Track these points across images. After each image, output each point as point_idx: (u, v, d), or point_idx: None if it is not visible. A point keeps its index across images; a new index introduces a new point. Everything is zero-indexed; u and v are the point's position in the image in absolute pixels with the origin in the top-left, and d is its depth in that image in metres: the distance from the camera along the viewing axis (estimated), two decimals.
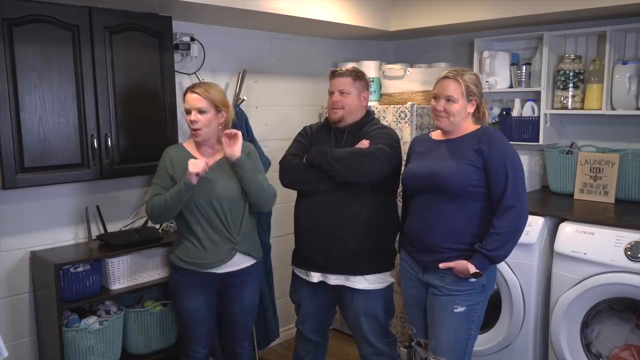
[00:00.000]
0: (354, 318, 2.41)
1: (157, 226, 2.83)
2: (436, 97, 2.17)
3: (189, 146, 2.38)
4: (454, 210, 2.10)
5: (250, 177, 2.29)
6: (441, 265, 2.11)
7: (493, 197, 2.07)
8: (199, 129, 2.27)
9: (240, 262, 2.37)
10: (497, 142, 2.09)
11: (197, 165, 2.18)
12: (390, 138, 2.35)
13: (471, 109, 2.16)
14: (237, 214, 2.34)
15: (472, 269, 2.05)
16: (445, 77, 2.15)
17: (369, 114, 2.46)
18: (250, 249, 2.40)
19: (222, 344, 2.62)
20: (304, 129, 2.53)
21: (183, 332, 2.50)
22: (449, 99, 2.12)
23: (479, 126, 2.19)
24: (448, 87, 2.12)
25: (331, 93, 2.40)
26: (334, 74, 2.41)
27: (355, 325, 2.43)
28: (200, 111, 2.26)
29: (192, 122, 2.26)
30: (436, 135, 2.27)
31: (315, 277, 2.38)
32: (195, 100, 2.26)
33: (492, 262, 2.08)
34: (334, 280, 2.36)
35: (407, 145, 2.92)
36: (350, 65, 2.47)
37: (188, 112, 2.28)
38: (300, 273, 2.47)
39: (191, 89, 2.30)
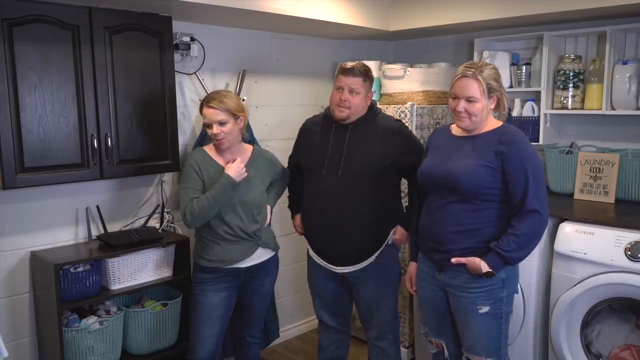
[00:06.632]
0: (362, 302, 2.50)
1: (157, 226, 2.83)
2: (455, 97, 2.07)
3: (211, 151, 2.44)
4: (468, 211, 2.05)
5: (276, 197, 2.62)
6: (453, 260, 2.06)
7: (513, 201, 2.01)
8: (222, 139, 2.33)
9: (261, 255, 2.48)
10: (516, 143, 2.01)
11: (240, 170, 2.31)
12: (415, 140, 2.47)
13: (493, 104, 2.07)
14: (258, 214, 2.43)
15: (485, 267, 2.00)
16: (464, 75, 2.02)
17: (369, 110, 2.44)
18: (269, 241, 2.51)
19: (235, 336, 2.65)
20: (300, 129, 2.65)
21: (195, 332, 2.43)
22: (469, 100, 2.02)
23: (500, 123, 2.10)
24: (468, 88, 2.01)
25: (339, 89, 2.35)
26: (346, 71, 2.33)
27: (364, 310, 2.52)
28: (221, 123, 2.31)
29: (214, 135, 2.32)
30: (456, 130, 2.18)
31: (327, 266, 2.47)
32: (213, 114, 2.31)
33: (506, 262, 2.02)
34: (340, 270, 2.44)
35: None
36: (359, 63, 2.40)
37: (209, 125, 2.33)
38: (315, 257, 2.52)
39: (207, 103, 2.33)
